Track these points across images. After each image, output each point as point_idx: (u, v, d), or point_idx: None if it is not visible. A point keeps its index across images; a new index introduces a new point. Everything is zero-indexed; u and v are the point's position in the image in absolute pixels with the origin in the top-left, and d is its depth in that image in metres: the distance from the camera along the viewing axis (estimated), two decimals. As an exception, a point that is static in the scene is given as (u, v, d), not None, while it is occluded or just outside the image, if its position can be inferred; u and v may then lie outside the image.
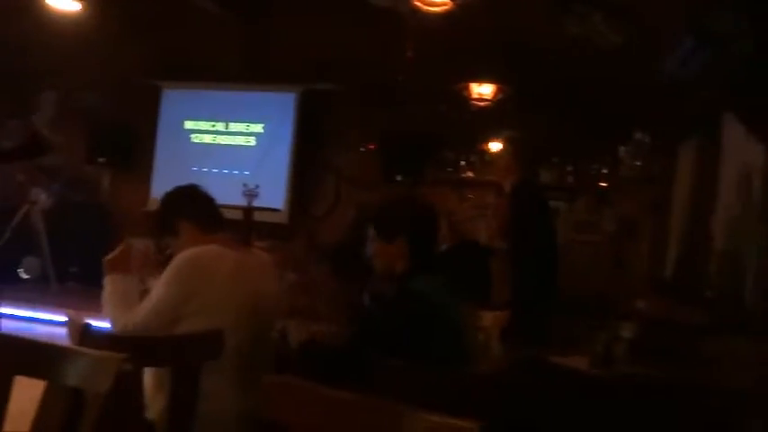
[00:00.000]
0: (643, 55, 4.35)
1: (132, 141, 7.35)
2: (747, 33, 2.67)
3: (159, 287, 1.89)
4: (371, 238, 1.97)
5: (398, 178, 6.43)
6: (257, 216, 5.68)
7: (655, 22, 4.07)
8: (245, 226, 5.45)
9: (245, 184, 5.66)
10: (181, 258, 1.90)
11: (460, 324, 1.88)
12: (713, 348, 2.68)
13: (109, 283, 2.00)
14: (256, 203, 5.57)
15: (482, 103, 5.78)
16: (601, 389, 2.23)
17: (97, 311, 2.32)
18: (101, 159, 7.23)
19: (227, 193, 5.27)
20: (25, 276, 6.70)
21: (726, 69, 2.93)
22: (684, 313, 3.44)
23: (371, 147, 6.72)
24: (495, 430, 1.08)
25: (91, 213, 7.22)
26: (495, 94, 5.75)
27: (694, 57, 3.10)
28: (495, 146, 6.43)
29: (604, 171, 6.00)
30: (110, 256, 2.04)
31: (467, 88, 5.82)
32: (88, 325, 1.69)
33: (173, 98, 7.36)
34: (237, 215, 5.45)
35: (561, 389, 1.89)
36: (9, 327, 4.30)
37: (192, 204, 2.06)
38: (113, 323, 1.94)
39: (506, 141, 3.77)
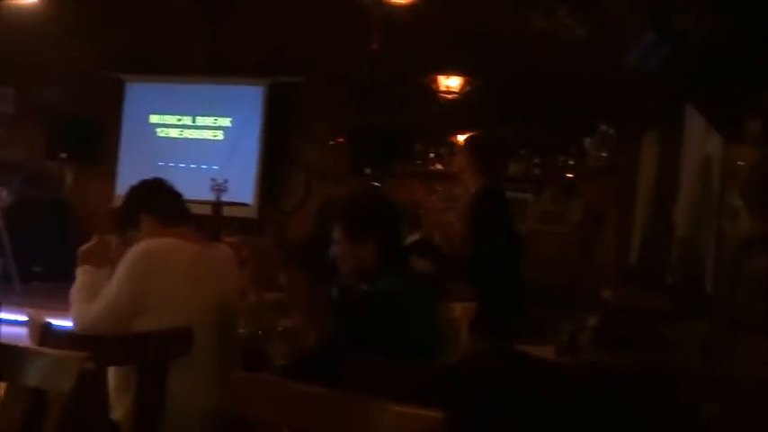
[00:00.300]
0: (607, 48, 4.43)
1: (96, 136, 7.19)
2: (705, 27, 2.74)
3: (113, 283, 1.86)
4: (338, 240, 1.94)
5: (367, 171, 6.43)
6: (226, 211, 5.63)
7: (618, 16, 4.14)
8: (214, 221, 5.39)
9: (213, 179, 5.60)
10: (133, 252, 1.86)
11: (428, 321, 1.89)
12: (674, 334, 2.76)
13: (80, 273, 1.96)
14: (225, 198, 5.52)
15: (450, 96, 5.81)
16: (566, 376, 2.27)
17: (60, 311, 2.28)
18: (63, 155, 7.05)
19: (195, 188, 5.21)
20: (-14, 276, 6.52)
21: (686, 62, 3.01)
22: (648, 300, 3.53)
23: (340, 140, 6.70)
24: (462, 420, 1.09)
25: (53, 211, 7.06)
26: (463, 86, 5.78)
27: (656, 50, 3.17)
28: (463, 138, 6.48)
29: (571, 162, 6.09)
30: (85, 247, 2.01)
31: (435, 81, 5.84)
32: (49, 324, 1.66)
33: (137, 92, 7.22)
34: (206, 210, 5.39)
35: (528, 377, 1.92)
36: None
37: (153, 198, 2.03)
38: (74, 320, 1.90)
39: (465, 145, 3.65)
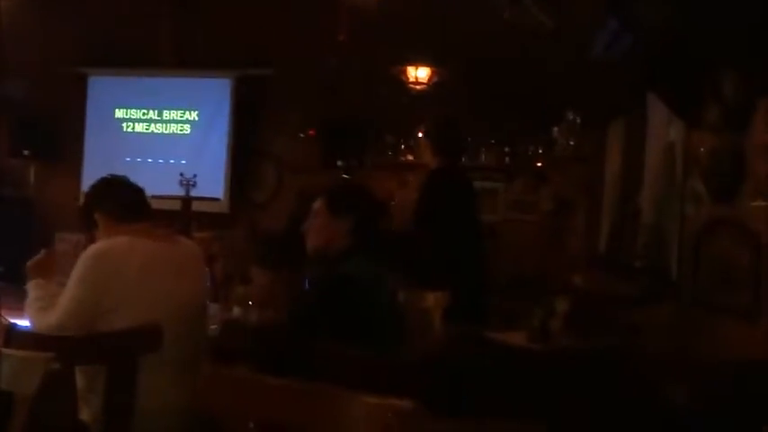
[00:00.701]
0: (572, 37, 4.48)
1: (59, 133, 7.02)
2: (663, 14, 2.79)
3: (68, 287, 1.83)
4: (316, 212, 1.97)
5: (339, 163, 6.41)
6: (197, 206, 5.55)
7: (583, 6, 4.19)
8: (183, 216, 5.32)
9: (181, 174, 5.52)
10: (85, 255, 1.83)
11: (391, 306, 1.91)
12: (642, 318, 2.82)
13: (32, 288, 1.93)
14: (195, 193, 5.44)
15: (419, 87, 5.82)
16: (537, 361, 2.31)
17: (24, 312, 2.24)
18: (25, 152, 6.88)
19: (163, 184, 5.17)
20: (-52, 278, 6.34)
21: (647, 50, 3.06)
22: (616, 286, 3.61)
23: (311, 132, 6.66)
24: (434, 407, 1.10)
25: (16, 209, 6.88)
26: (431, 77, 5.79)
27: (618, 39, 3.21)
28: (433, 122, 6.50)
29: (540, 151, 6.15)
30: (32, 261, 1.97)
31: (404, 72, 5.84)
32: (13, 325, 1.63)
33: (101, 86, 7.07)
34: (176, 206, 5.32)
35: (499, 363, 1.95)
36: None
37: (104, 196, 2.00)
38: (36, 330, 1.87)
39: (424, 129, 3.76)
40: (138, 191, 2.06)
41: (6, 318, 1.67)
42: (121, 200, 2.00)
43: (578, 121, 5.60)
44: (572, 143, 5.77)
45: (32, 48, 6.50)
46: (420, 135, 3.76)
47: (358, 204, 1.97)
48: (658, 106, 3.82)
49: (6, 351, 1.42)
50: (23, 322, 1.71)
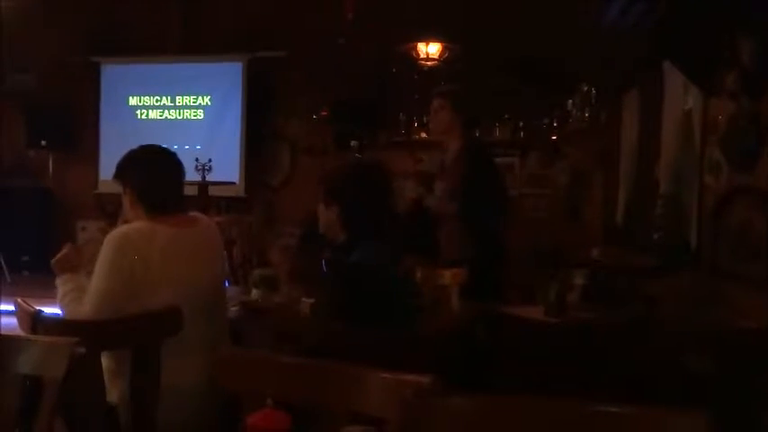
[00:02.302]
0: (585, 7, 4.40)
1: (74, 122, 7.09)
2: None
3: (95, 275, 1.84)
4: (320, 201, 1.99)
5: (352, 144, 6.40)
6: (213, 190, 5.59)
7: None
8: (200, 201, 5.37)
9: (197, 159, 5.55)
10: (107, 242, 1.83)
11: (402, 290, 1.91)
12: (660, 289, 2.81)
13: (61, 284, 1.96)
14: (211, 178, 5.48)
15: (430, 63, 5.77)
16: (555, 335, 2.32)
17: (51, 299, 2.28)
18: (43, 143, 6.96)
19: (178, 170, 5.22)
20: (-26, 268, 6.48)
21: (661, 18, 3.00)
22: (634, 258, 3.58)
23: (323, 113, 6.65)
24: (452, 384, 1.11)
25: (37, 199, 6.99)
26: (443, 53, 5.73)
27: (632, 7, 3.15)
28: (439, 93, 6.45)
29: (555, 125, 6.09)
30: (56, 258, 1.99)
31: (414, 48, 5.78)
32: (39, 312, 1.67)
33: (113, 74, 7.11)
34: (193, 191, 5.36)
35: (516, 338, 1.96)
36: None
37: (144, 181, 1.95)
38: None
39: (443, 97, 3.50)
40: (177, 182, 2.02)
41: (32, 305, 1.71)
42: (159, 193, 1.95)
43: (593, 92, 5.52)
44: (587, 115, 5.70)
45: (45, 39, 6.55)
46: (440, 107, 3.55)
47: (342, 191, 1.94)
48: (674, 74, 3.75)
49: (33, 337, 1.46)
50: (49, 310, 1.74)
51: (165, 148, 2.07)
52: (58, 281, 1.96)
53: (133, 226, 1.89)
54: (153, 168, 1.99)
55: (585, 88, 5.50)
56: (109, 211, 6.68)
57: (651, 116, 4.38)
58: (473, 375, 1.67)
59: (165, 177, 2.00)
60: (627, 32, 3.63)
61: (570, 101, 5.69)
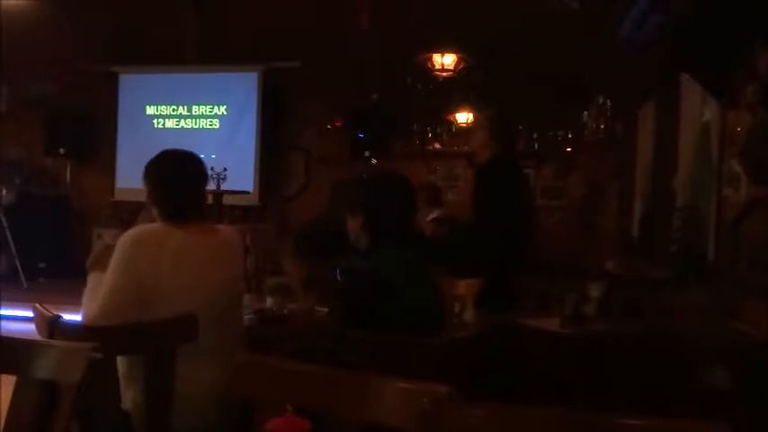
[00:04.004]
0: (600, 19, 4.40)
1: (92, 130, 7.18)
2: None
3: (106, 275, 1.84)
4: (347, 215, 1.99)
5: (366, 154, 6.43)
6: (228, 199, 5.63)
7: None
8: (215, 210, 5.40)
9: (212, 168, 5.59)
10: (120, 242, 1.83)
11: (422, 297, 1.89)
12: (677, 301, 2.78)
13: (90, 280, 1.96)
14: (225, 186, 5.52)
15: (445, 74, 5.78)
16: (571, 346, 2.29)
17: (67, 305, 2.30)
18: (61, 151, 7.06)
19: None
20: (-8, 274, 6.57)
21: (678, 29, 2.98)
22: (650, 270, 3.55)
23: (338, 123, 6.68)
24: (468, 394, 1.11)
25: (54, 207, 7.08)
26: (458, 64, 5.75)
27: (648, 19, 3.14)
28: (461, 117, 6.47)
29: (569, 136, 6.07)
30: (92, 256, 2.00)
31: (429, 59, 5.80)
32: (57, 317, 1.68)
33: (130, 83, 7.20)
34: (207, 200, 5.39)
35: (532, 349, 1.94)
36: (-22, 326, 4.22)
37: (164, 188, 1.93)
38: (83, 318, 1.91)
39: (482, 117, 3.69)
40: (197, 190, 2.00)
41: (50, 310, 1.72)
42: (176, 199, 1.92)
43: (608, 104, 5.50)
44: (602, 127, 5.68)
45: (63, 49, 6.65)
46: (475, 122, 3.67)
47: (362, 199, 1.95)
48: (691, 86, 3.73)
49: (51, 342, 1.47)
50: (66, 316, 1.75)
51: (191, 155, 2.05)
52: (89, 277, 1.97)
53: (146, 227, 1.89)
54: (174, 174, 1.98)
55: (601, 100, 5.48)
56: (125, 219, 6.74)
57: (668, 128, 4.36)
58: (489, 385, 1.65)
59: (185, 184, 1.98)
60: (644, 44, 3.62)
61: (585, 112, 5.68)
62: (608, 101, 5.58)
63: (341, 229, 2.02)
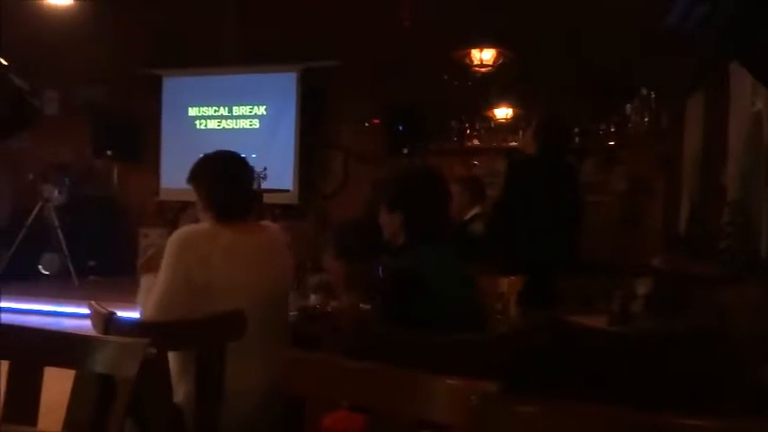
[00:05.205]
0: (644, 9, 4.28)
1: (137, 132, 7.38)
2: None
3: (159, 274, 1.88)
4: (381, 211, 1.99)
5: (404, 151, 6.42)
6: (268, 198, 5.71)
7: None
8: (255, 208, 5.48)
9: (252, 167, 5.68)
10: (171, 242, 1.87)
11: (461, 295, 1.89)
12: (727, 298, 2.69)
13: (143, 282, 2.02)
14: (265, 185, 5.59)
15: (484, 69, 5.73)
16: (620, 345, 2.25)
17: (120, 301, 2.37)
18: (108, 152, 7.27)
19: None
20: (45, 272, 6.81)
21: (726, 18, 2.89)
22: (699, 266, 3.45)
23: (375, 121, 6.70)
24: (516, 391, 1.10)
25: (103, 207, 7.30)
26: (496, 58, 5.69)
27: (695, 7, 3.04)
28: (500, 112, 6.40)
29: (612, 130, 5.94)
30: (142, 259, 2.06)
31: (468, 55, 5.76)
32: (112, 314, 1.73)
33: (174, 86, 7.36)
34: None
35: (581, 347, 1.91)
36: (36, 322, 4.39)
37: (215, 187, 1.98)
38: (141, 316, 1.97)
39: (532, 122, 3.67)
40: (246, 189, 2.05)
41: (106, 307, 1.78)
42: (227, 198, 1.96)
43: (653, 96, 5.37)
44: (647, 120, 5.54)
45: (109, 54, 6.84)
46: (525, 129, 3.70)
47: (401, 195, 1.95)
48: (741, 75, 3.60)
49: (108, 337, 1.52)
50: (121, 312, 1.81)
51: (237, 155, 2.09)
52: (141, 279, 2.03)
53: (196, 227, 1.93)
54: (223, 174, 2.02)
55: (645, 92, 5.35)
56: (169, 218, 6.91)
57: (717, 119, 4.22)
58: (535, 382, 1.63)
59: (233, 183, 2.02)
60: (691, 33, 3.51)
61: (629, 105, 5.55)
62: (652, 93, 5.44)
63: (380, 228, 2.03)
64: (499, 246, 3.35)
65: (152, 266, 1.99)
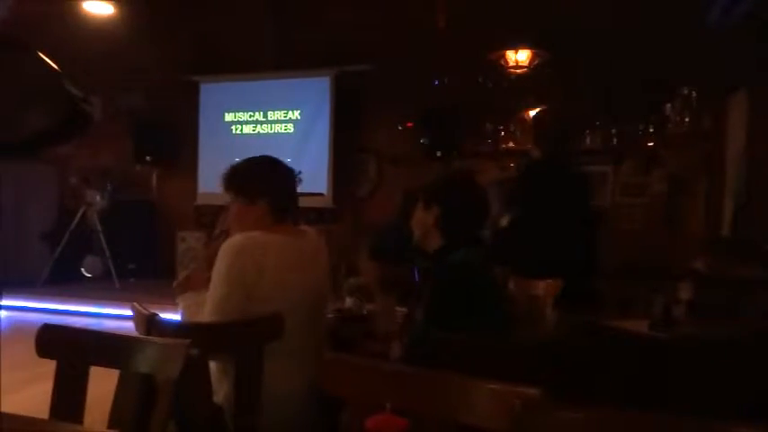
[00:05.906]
0: (684, 7, 4.19)
1: (175, 138, 7.52)
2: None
3: (213, 285, 1.89)
4: (417, 206, 2.00)
5: (438, 154, 6.40)
6: (302, 201, 5.72)
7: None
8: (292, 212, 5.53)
9: (288, 172, 5.73)
10: (224, 251, 1.88)
11: (498, 297, 1.87)
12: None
13: (181, 301, 2.05)
14: (300, 189, 5.63)
15: (519, 71, 5.67)
16: (663, 350, 2.20)
17: (157, 304, 2.41)
18: (148, 158, 7.43)
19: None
20: (88, 275, 7.00)
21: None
22: (743, 269, 3.34)
23: (409, 125, 6.70)
24: (556, 395, 1.08)
25: (142, 211, 7.46)
26: (532, 59, 5.62)
27: (737, 3, 2.96)
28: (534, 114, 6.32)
29: (651, 130, 5.82)
30: (176, 282, 2.09)
31: (503, 56, 5.71)
32: (154, 315, 1.76)
33: (211, 92, 7.49)
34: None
35: (623, 352, 1.87)
36: (78, 323, 4.52)
37: (273, 188, 2.01)
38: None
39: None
40: (296, 192, 2.08)
41: (148, 308, 1.82)
42: (284, 202, 2.00)
43: (694, 95, 5.23)
44: (687, 120, 5.41)
45: (149, 61, 7.00)
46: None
47: (440, 194, 1.96)
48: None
49: (151, 338, 1.55)
50: (163, 314, 1.84)
51: (278, 159, 2.12)
52: (178, 299, 2.05)
53: (248, 235, 1.94)
54: (279, 179, 2.05)
55: (686, 91, 5.22)
56: (205, 222, 7.02)
57: (761, 118, 4.10)
58: (576, 388, 1.60)
59: (289, 187, 2.06)
60: (732, 30, 3.42)
61: (668, 105, 5.42)
62: (693, 92, 5.31)
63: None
64: (521, 249, 3.30)
65: (189, 286, 2.02)
